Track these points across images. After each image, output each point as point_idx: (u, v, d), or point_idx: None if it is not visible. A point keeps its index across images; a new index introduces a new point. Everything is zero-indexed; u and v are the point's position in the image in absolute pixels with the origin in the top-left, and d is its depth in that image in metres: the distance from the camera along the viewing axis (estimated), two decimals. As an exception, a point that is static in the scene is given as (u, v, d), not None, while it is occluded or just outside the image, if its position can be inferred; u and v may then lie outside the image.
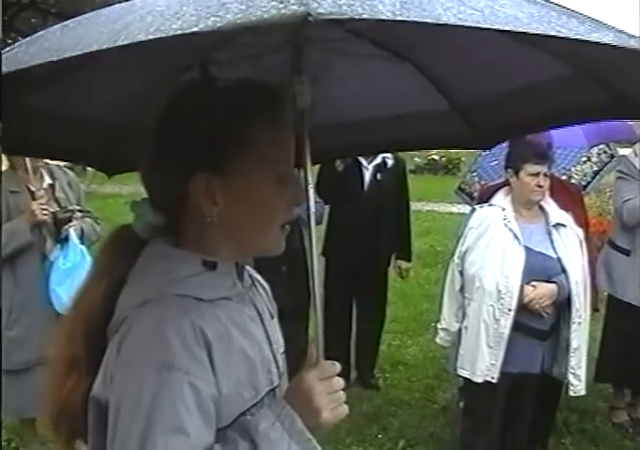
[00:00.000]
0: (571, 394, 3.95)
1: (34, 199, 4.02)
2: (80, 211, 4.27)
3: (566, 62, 1.51)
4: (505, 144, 4.90)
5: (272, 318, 1.55)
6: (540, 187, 3.87)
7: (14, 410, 4.00)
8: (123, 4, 1.25)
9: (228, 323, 1.34)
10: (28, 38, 1.23)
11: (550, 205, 4.00)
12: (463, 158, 20.00)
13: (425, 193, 14.48)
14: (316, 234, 4.84)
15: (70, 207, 4.20)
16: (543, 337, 3.87)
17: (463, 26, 1.01)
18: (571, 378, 3.86)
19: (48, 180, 4.17)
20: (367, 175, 5.47)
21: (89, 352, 1.36)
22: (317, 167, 5.59)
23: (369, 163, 5.46)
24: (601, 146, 5.79)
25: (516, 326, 3.76)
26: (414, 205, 6.00)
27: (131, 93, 1.61)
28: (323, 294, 5.35)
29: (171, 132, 1.36)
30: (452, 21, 1.01)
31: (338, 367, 1.39)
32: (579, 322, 3.84)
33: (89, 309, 1.38)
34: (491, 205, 4.01)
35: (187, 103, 1.37)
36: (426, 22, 1.00)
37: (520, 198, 3.96)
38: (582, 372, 3.89)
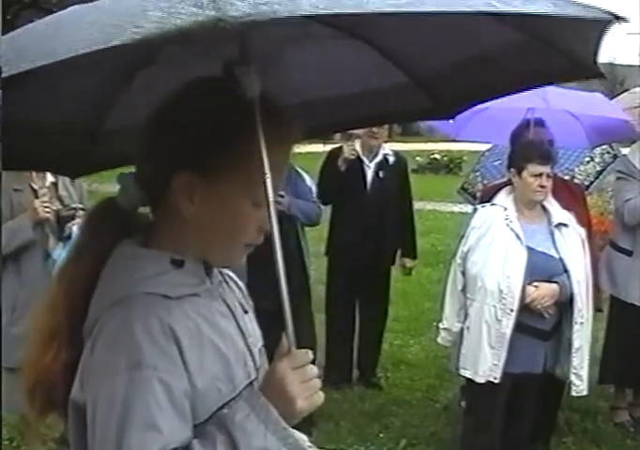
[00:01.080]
0: (574, 394, 3.95)
1: (36, 197, 4.02)
2: (82, 209, 4.27)
3: (518, 29, 1.50)
4: (507, 144, 4.93)
5: (246, 312, 1.55)
6: (542, 187, 3.87)
7: (16, 408, 3.99)
8: (65, 11, 1.25)
9: (197, 319, 1.36)
10: None
11: (552, 205, 3.99)
12: (464, 158, 19.98)
13: (427, 192, 14.44)
14: (318, 234, 4.81)
15: (73, 205, 4.21)
16: (545, 337, 3.87)
17: (383, 13, 1.02)
18: (573, 378, 3.86)
19: (50, 178, 4.17)
20: (369, 173, 5.48)
21: (70, 324, 1.37)
22: (319, 166, 5.60)
23: (370, 161, 5.47)
24: (604, 146, 5.79)
25: (518, 326, 3.75)
26: (415, 204, 6.00)
27: (87, 92, 1.61)
28: (325, 293, 5.36)
29: (167, 125, 1.38)
30: (377, 6, 1.02)
31: (310, 355, 1.38)
32: (581, 322, 3.83)
33: (71, 284, 1.40)
34: (493, 205, 4.00)
35: (190, 101, 1.38)
36: (347, 13, 1.01)
37: (522, 198, 3.95)
38: (584, 372, 3.89)
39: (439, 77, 1.81)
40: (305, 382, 1.34)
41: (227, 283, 1.56)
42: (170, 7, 0.98)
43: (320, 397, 1.37)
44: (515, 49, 1.59)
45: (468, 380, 3.99)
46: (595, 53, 1.50)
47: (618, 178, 4.99)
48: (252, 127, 1.34)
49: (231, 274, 1.62)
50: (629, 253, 4.82)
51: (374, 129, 5.27)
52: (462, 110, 1.98)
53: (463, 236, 4.05)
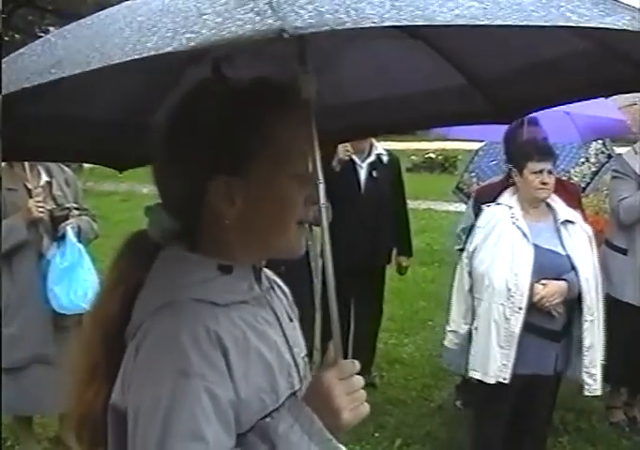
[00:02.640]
0: (587, 393, 3.89)
1: (30, 196, 4.00)
2: (77, 209, 4.25)
3: (583, 36, 1.46)
4: (500, 142, 4.93)
5: (291, 321, 1.52)
6: (544, 184, 3.84)
7: (10, 408, 3.99)
8: (112, 9, 1.22)
9: (244, 327, 1.33)
10: (12, 55, 1.22)
11: (557, 203, 3.96)
12: (459, 157, 19.95)
13: (422, 191, 14.45)
14: (316, 234, 4.74)
15: (67, 205, 4.19)
16: (556, 338, 3.83)
17: (456, 25, 0.98)
18: (585, 377, 3.81)
19: (45, 178, 4.15)
20: (362, 174, 5.48)
21: (108, 360, 1.35)
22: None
23: (362, 161, 5.48)
24: (599, 147, 5.80)
25: (528, 327, 3.72)
26: (410, 203, 6.00)
27: (135, 88, 1.60)
28: (321, 293, 5.35)
29: (185, 135, 1.35)
30: (448, 19, 0.97)
31: (357, 365, 1.37)
32: (591, 320, 3.79)
33: (107, 317, 1.37)
34: (498, 204, 3.98)
35: (200, 105, 1.36)
36: (417, 25, 0.97)
37: (526, 196, 3.92)
38: (597, 371, 3.83)
39: (500, 81, 1.79)
40: (351, 393, 1.33)
41: (274, 290, 1.54)
42: (226, 10, 0.95)
43: (365, 408, 1.36)
44: (582, 56, 1.55)
45: (478, 381, 3.90)
46: None
47: (614, 177, 4.99)
48: (267, 112, 1.33)
49: (278, 280, 1.59)
50: (624, 252, 4.81)
51: None
52: (521, 115, 1.94)
53: (468, 235, 4.03)
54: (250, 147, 1.32)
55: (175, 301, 1.29)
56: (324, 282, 5.60)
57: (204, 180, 1.32)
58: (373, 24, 0.94)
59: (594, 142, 5.83)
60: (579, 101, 1.93)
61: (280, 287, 1.58)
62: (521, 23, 1.01)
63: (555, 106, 1.92)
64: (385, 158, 5.56)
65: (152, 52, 0.92)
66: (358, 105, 1.89)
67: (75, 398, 1.40)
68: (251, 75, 1.37)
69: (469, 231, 4.16)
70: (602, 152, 5.82)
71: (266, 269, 1.50)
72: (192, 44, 0.90)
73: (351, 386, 1.33)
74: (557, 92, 1.80)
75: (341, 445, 1.32)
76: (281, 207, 1.37)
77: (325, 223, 1.36)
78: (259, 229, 1.38)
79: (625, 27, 1.07)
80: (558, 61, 1.62)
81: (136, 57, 0.92)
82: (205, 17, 0.94)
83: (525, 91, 1.81)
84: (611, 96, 1.97)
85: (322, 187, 1.35)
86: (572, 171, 5.71)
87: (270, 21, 0.91)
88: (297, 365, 1.46)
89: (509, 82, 1.77)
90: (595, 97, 1.93)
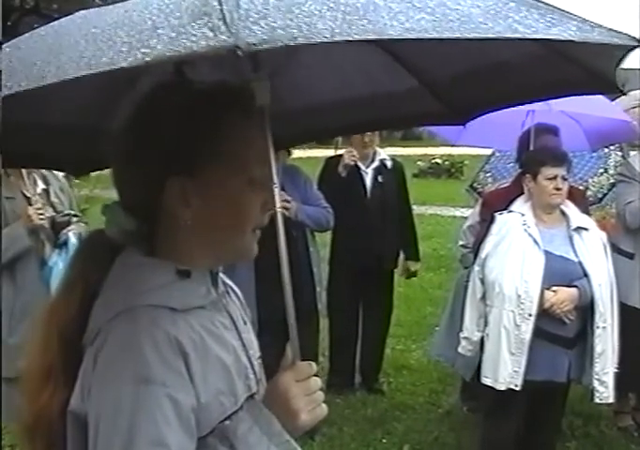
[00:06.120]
0: (597, 401, 3.88)
1: (30, 204, 3.99)
2: (76, 215, 4.25)
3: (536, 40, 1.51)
4: (509, 149, 4.92)
5: (245, 324, 1.54)
6: (558, 189, 3.85)
7: (17, 417, 3.97)
8: (66, 19, 1.23)
9: (202, 332, 1.34)
10: None
11: (570, 209, 3.97)
12: (466, 162, 19.99)
13: (428, 197, 14.47)
14: (321, 240, 4.74)
15: (67, 211, 4.19)
16: (568, 345, 3.82)
17: (407, 39, 1.00)
18: (596, 384, 3.79)
19: (41, 185, 4.14)
20: (368, 179, 5.50)
21: (65, 362, 1.35)
22: (318, 172, 5.60)
23: (367, 167, 5.50)
24: (619, 159, 5.79)
25: (540, 334, 3.71)
26: (417, 209, 6.01)
27: (90, 92, 1.60)
28: (328, 299, 5.35)
29: (143, 134, 1.36)
30: (398, 32, 1.00)
31: (314, 367, 1.39)
32: (604, 327, 3.78)
33: (64, 318, 1.37)
34: (510, 212, 3.98)
35: (159, 105, 1.37)
36: (368, 40, 0.99)
37: (539, 202, 3.93)
38: (608, 378, 3.82)
39: (452, 83, 1.81)
40: (308, 394, 1.35)
41: (229, 294, 1.55)
42: (180, 25, 0.96)
43: (323, 409, 1.37)
44: (533, 59, 1.58)
45: (489, 387, 3.87)
46: (615, 70, 1.48)
47: (620, 181, 4.99)
48: (226, 116, 1.35)
49: (231, 284, 1.60)
50: (630, 256, 4.79)
51: (365, 139, 5.36)
52: (474, 116, 1.98)
53: (463, 232, 4.02)
54: (207, 150, 1.34)
55: (133, 307, 1.29)
56: (331, 289, 5.66)
57: (160, 180, 1.33)
58: (324, 39, 0.96)
59: (613, 154, 5.82)
60: (532, 102, 1.95)
61: (234, 290, 1.59)
62: (469, 36, 1.04)
63: (509, 107, 1.95)
64: (389, 163, 5.58)
65: (107, 68, 0.94)
66: (312, 108, 1.91)
67: (29, 398, 1.38)
68: (209, 79, 1.38)
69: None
70: (622, 164, 5.81)
71: (221, 273, 1.51)
72: (148, 59, 0.92)
73: (308, 388, 1.35)
74: (510, 93, 1.83)
75: (298, 447, 1.34)
76: (237, 211, 1.38)
77: (281, 227, 1.38)
78: (214, 232, 1.39)
79: (570, 38, 1.12)
80: (510, 62, 1.64)
81: (91, 72, 0.94)
82: (159, 31, 0.96)
83: (477, 92, 1.84)
84: (566, 96, 2.01)
85: (277, 191, 1.37)
86: (590, 180, 5.71)
87: (224, 37, 0.92)
88: (252, 367, 1.47)
89: (461, 83, 1.79)
90: (548, 98, 1.97)
